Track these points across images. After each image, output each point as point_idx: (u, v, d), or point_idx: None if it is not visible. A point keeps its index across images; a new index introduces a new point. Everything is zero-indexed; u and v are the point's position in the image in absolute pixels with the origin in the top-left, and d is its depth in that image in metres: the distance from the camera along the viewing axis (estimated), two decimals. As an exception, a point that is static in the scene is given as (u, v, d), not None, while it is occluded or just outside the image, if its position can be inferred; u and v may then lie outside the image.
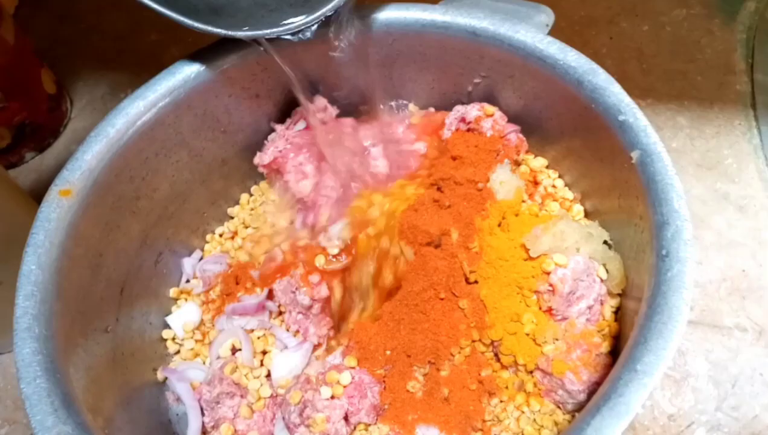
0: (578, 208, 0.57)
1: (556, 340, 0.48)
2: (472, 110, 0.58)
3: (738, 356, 0.54)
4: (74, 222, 0.46)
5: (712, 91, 0.72)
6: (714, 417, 0.52)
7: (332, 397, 0.48)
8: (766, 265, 0.59)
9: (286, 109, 0.61)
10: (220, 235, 0.63)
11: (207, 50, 0.54)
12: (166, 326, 0.57)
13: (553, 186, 0.58)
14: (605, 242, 0.51)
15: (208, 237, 0.63)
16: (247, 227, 0.62)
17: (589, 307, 0.49)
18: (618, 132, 0.47)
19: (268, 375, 0.53)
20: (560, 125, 0.55)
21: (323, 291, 0.53)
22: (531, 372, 0.49)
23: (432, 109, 0.63)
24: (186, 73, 0.53)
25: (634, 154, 0.45)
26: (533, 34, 0.52)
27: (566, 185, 0.59)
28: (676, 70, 0.74)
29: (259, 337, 0.55)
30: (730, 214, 0.63)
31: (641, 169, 0.44)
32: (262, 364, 0.54)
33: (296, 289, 0.53)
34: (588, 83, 0.49)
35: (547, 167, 0.60)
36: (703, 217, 0.63)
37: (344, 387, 0.48)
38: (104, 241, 0.49)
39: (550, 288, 0.49)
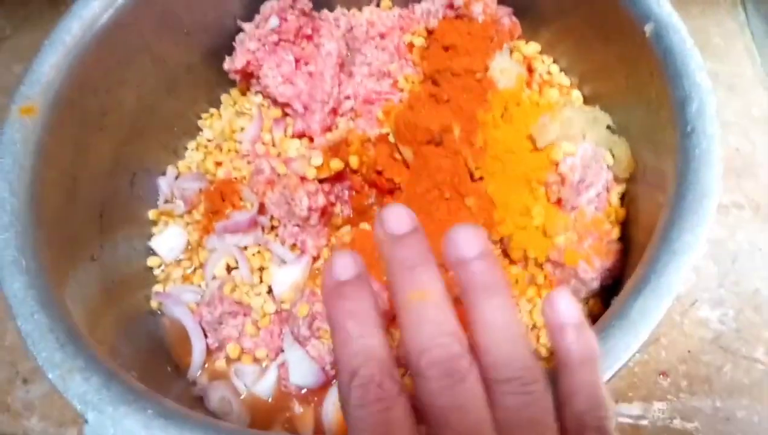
0: (577, 94, 0.54)
1: (567, 230, 0.47)
2: (460, -6, 0.53)
3: (736, 233, 0.55)
4: (42, 142, 0.41)
5: (694, -33, 0.69)
6: (716, 293, 0.53)
7: (342, 307, 0.46)
8: (758, 142, 0.59)
9: (254, 5, 0.55)
10: (195, 149, 0.58)
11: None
12: (152, 251, 0.53)
13: (549, 72, 0.56)
14: (608, 127, 0.49)
15: (183, 153, 0.58)
16: (225, 141, 0.57)
17: (598, 195, 0.48)
18: (627, 4, 0.44)
19: (269, 291, 0.51)
20: (558, 3, 0.52)
21: (320, 200, 0.50)
22: (541, 265, 0.48)
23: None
24: (141, -35, 0.47)
25: (648, 27, 0.42)
26: None
27: (561, 70, 0.56)
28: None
29: (254, 254, 0.52)
30: (721, 94, 0.62)
31: (656, 43, 0.42)
32: (261, 281, 0.51)
33: (291, 199, 0.49)
34: (592, -46, 0.45)
35: (540, 53, 0.57)
36: (695, 97, 0.61)
37: (353, 296, 0.46)
38: (76, 162, 0.45)
39: (559, 178, 0.47)
